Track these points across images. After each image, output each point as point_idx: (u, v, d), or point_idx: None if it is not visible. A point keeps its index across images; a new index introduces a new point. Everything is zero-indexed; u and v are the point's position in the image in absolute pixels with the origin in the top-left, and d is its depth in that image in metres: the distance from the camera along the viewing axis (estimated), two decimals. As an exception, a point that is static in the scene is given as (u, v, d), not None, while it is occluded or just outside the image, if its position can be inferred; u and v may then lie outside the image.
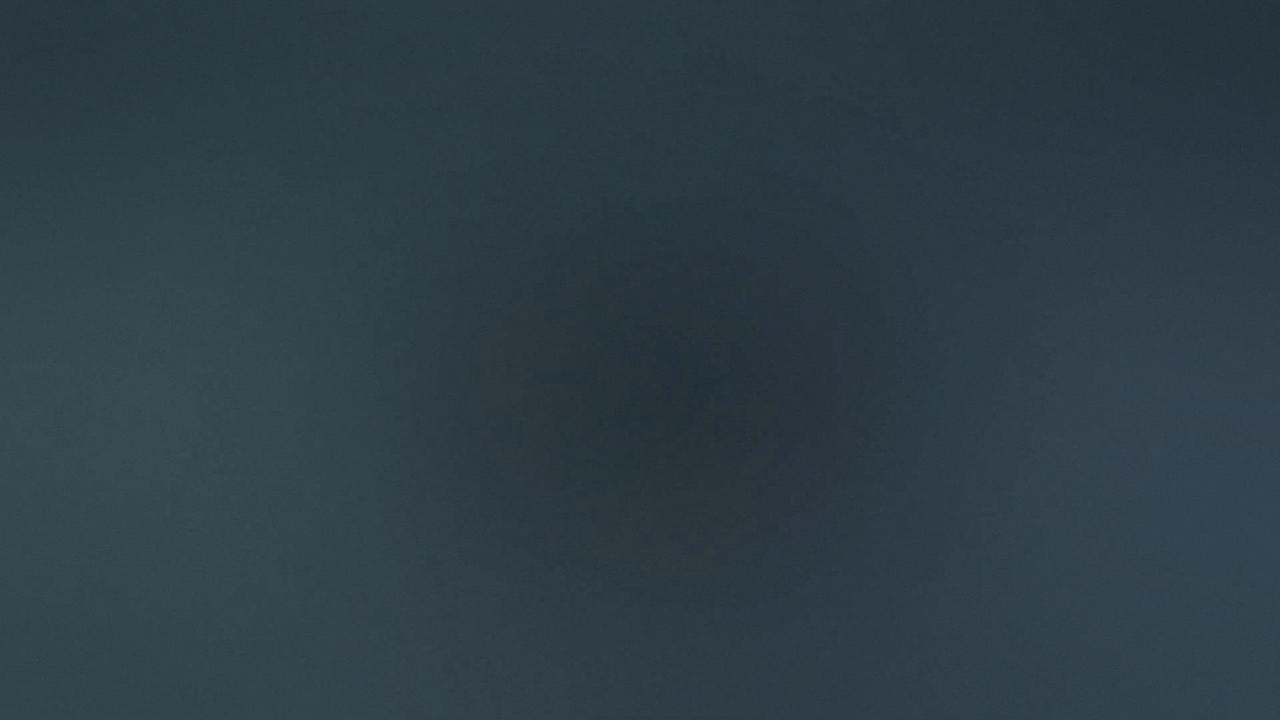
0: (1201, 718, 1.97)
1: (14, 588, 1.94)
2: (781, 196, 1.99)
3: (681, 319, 1.98)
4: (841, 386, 1.98)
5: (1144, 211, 2.01)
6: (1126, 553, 1.98)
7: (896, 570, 1.97)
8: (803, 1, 2.00)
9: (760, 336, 1.98)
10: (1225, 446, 1.99)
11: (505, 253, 1.97)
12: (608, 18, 1.99)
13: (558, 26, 2.00)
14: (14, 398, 1.95)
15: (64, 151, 1.97)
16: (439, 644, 1.95)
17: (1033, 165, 2.00)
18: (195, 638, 1.95)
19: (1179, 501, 1.98)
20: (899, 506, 1.97)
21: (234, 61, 1.98)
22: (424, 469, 1.96)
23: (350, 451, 1.96)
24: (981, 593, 1.97)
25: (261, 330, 1.96)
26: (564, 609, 1.94)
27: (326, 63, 1.98)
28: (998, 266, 1.99)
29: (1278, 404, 1.99)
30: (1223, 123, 2.01)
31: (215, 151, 1.98)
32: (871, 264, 1.99)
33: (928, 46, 2.00)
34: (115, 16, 1.98)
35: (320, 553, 1.95)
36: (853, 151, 1.99)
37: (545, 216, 1.98)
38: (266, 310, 1.97)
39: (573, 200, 1.98)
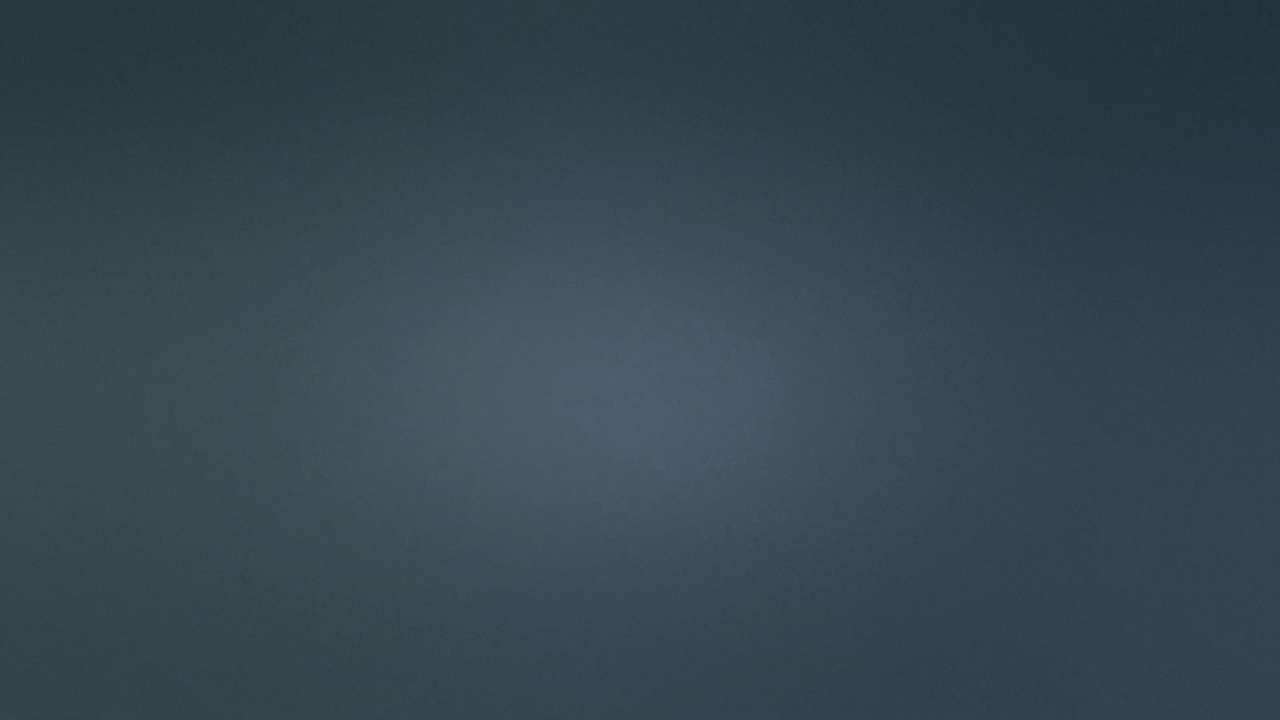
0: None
1: (16, 588, 1.94)
2: (778, 198, 1.99)
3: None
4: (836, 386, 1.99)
5: (1134, 210, 2.01)
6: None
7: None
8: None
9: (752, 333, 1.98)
10: (1226, 447, 1.99)
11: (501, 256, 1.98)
12: (611, 14, 2.00)
13: (558, 23, 2.00)
14: (16, 397, 1.95)
15: (64, 152, 1.97)
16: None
17: (1027, 164, 2.01)
18: (198, 639, 1.95)
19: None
20: (914, 510, 1.98)
21: (234, 61, 1.98)
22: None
23: (353, 455, 1.96)
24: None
25: (262, 329, 1.96)
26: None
27: (326, 63, 1.98)
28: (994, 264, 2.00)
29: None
30: (1206, 124, 2.01)
31: (215, 151, 1.98)
32: (867, 262, 1.99)
33: (926, 44, 2.01)
34: (115, 17, 1.98)
35: (319, 554, 1.96)
36: (850, 150, 2.00)
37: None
38: (267, 309, 1.97)
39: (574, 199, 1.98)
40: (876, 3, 2.00)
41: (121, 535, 1.95)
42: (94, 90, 1.97)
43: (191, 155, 1.98)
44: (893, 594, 1.98)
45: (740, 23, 2.00)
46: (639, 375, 1.97)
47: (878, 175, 2.00)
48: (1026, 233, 2.00)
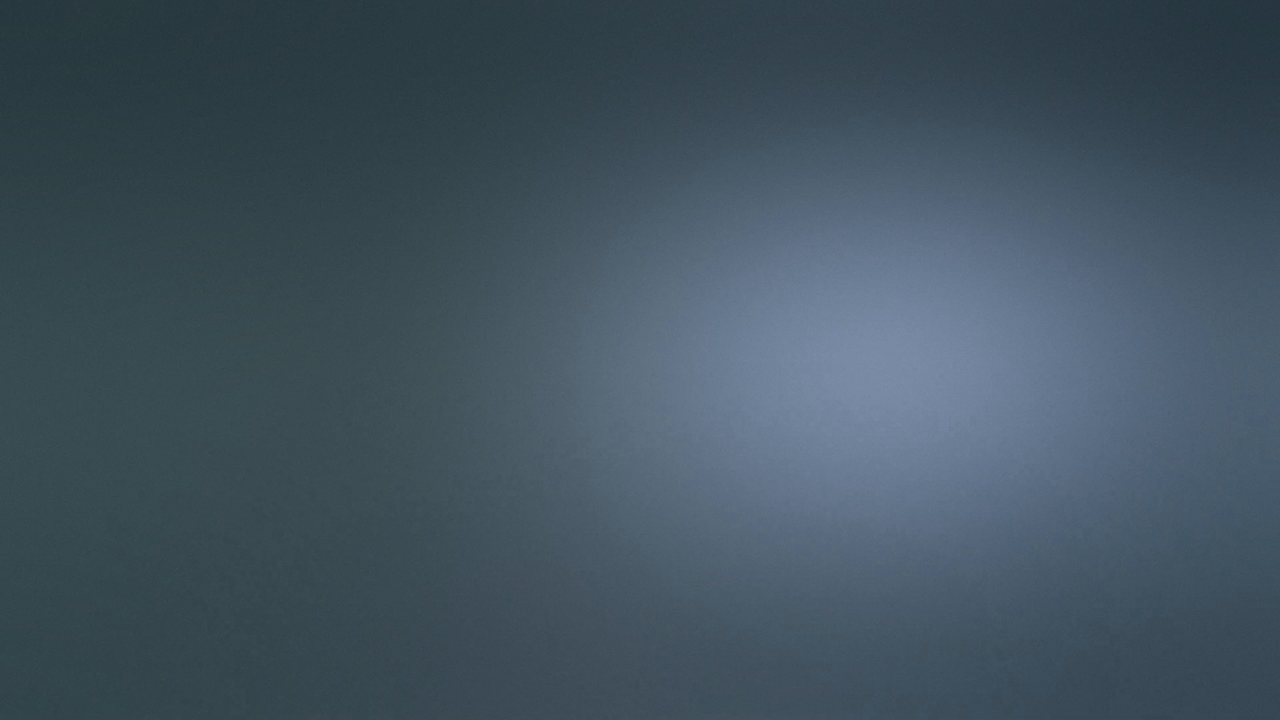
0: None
1: (16, 590, 1.95)
2: (771, 191, 1.99)
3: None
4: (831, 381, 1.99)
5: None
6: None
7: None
8: None
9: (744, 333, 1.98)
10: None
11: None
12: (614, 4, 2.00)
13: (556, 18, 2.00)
14: (17, 398, 1.96)
15: (64, 152, 1.98)
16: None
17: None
18: (193, 638, 1.95)
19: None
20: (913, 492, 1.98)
21: (238, 61, 1.99)
22: (429, 471, 1.97)
23: (349, 456, 1.96)
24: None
25: (262, 330, 1.97)
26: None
27: (327, 62, 1.99)
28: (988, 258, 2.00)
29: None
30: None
31: (215, 152, 1.98)
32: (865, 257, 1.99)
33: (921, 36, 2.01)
34: (116, 16, 1.98)
35: (318, 553, 1.96)
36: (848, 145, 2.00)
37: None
38: (269, 310, 1.97)
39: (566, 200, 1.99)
40: None
41: (129, 538, 1.95)
42: (95, 90, 1.98)
43: (194, 155, 1.98)
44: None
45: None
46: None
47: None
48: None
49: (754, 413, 1.97)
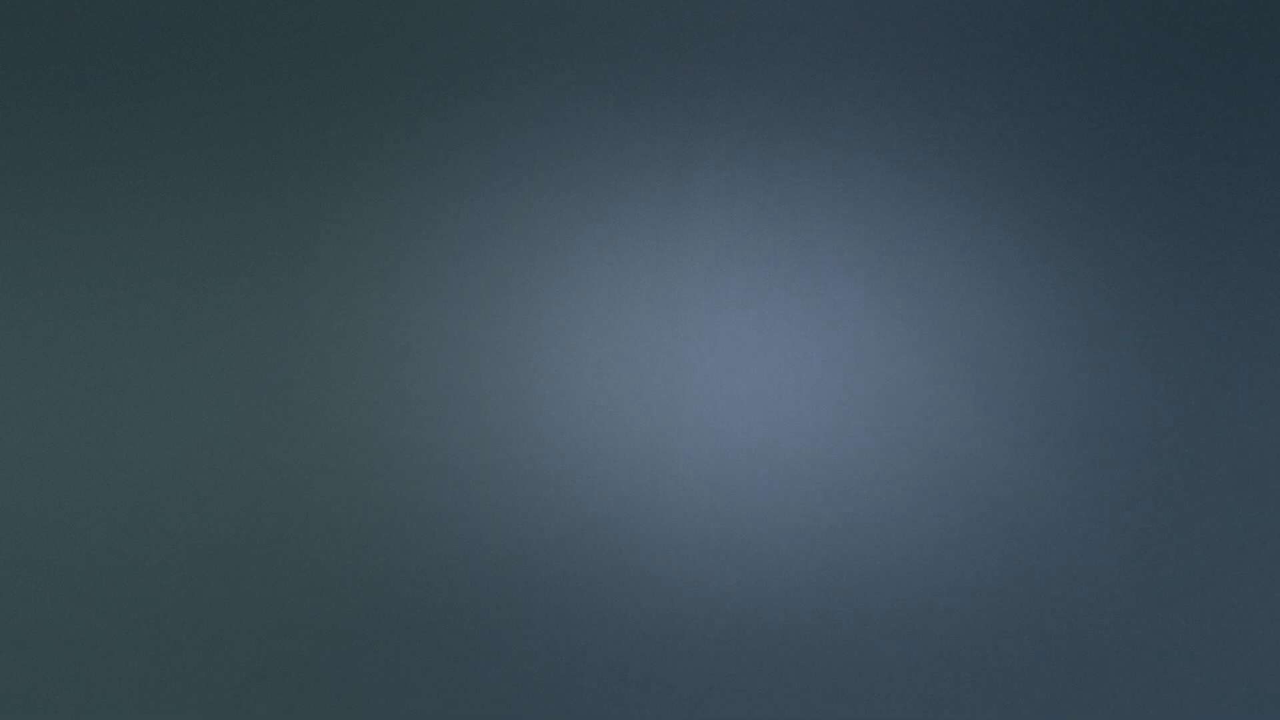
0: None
1: (17, 592, 1.95)
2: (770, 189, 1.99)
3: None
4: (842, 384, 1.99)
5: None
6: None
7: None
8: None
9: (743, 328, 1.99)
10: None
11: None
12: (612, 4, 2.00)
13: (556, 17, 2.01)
14: (22, 400, 1.96)
15: (68, 153, 1.98)
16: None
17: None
18: (196, 641, 1.95)
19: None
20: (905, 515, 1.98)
21: (242, 60, 1.99)
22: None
23: (353, 462, 1.96)
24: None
25: (258, 331, 1.97)
26: None
27: (325, 60, 1.99)
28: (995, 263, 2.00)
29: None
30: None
31: (215, 151, 1.98)
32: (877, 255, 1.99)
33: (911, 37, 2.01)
34: (117, 16, 1.98)
35: (321, 554, 1.96)
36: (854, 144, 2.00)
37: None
38: (271, 311, 1.97)
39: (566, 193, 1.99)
40: None
41: (129, 538, 1.95)
42: (95, 90, 1.98)
43: (194, 155, 1.98)
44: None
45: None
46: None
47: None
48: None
49: (757, 412, 1.97)
